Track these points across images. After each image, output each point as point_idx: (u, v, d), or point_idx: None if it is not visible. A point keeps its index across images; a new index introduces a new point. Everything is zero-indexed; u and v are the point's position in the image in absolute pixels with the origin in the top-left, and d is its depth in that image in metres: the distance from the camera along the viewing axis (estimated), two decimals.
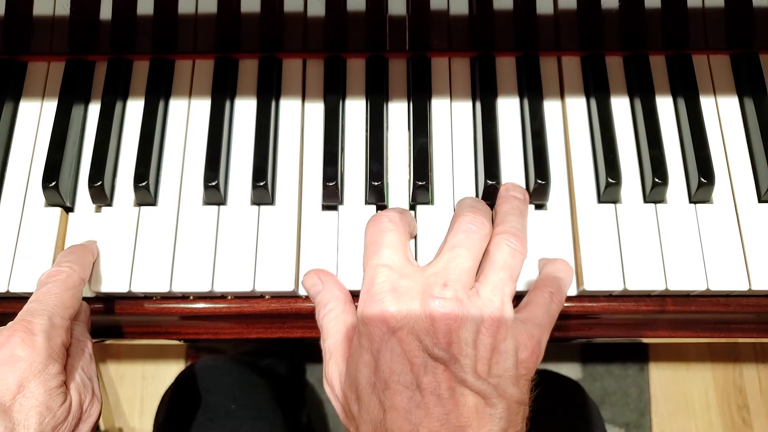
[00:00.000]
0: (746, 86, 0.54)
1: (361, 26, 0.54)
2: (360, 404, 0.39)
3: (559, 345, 1.20)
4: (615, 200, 0.50)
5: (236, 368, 0.76)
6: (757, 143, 0.52)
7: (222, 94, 0.54)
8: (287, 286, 0.48)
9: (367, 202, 0.51)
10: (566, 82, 0.55)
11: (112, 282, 0.48)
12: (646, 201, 0.51)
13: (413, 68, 0.55)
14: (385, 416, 0.38)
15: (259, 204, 0.51)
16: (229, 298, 0.51)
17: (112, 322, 0.52)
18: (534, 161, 0.51)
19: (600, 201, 0.51)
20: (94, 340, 0.48)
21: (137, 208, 0.51)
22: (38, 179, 0.51)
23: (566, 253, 0.49)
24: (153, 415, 0.74)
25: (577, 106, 0.54)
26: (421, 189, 0.50)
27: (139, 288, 0.48)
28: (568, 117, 0.54)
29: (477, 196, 0.51)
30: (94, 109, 0.54)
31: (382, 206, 0.51)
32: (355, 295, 0.45)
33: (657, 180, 0.49)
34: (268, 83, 0.54)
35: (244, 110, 0.54)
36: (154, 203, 0.51)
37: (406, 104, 0.54)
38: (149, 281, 0.48)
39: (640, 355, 1.24)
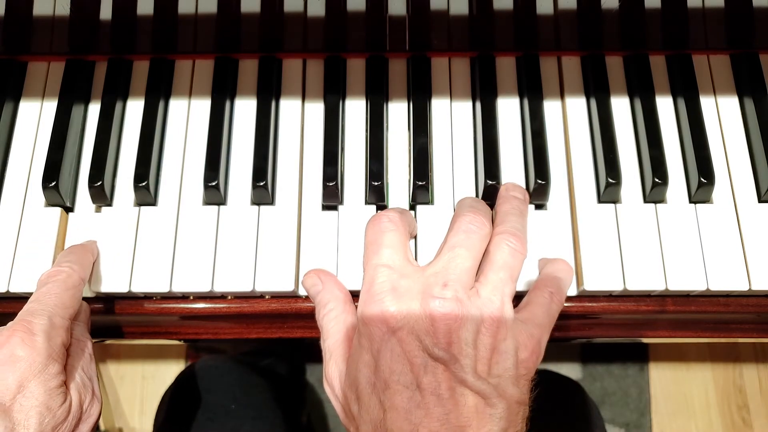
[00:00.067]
0: (746, 86, 0.54)
1: (361, 26, 0.54)
2: (360, 404, 0.39)
3: (559, 345, 1.20)
4: (615, 200, 0.50)
5: (236, 368, 0.76)
6: (757, 143, 0.52)
7: (222, 94, 0.54)
8: (287, 286, 0.48)
9: (367, 202, 0.51)
10: (566, 82, 0.55)
11: (112, 282, 0.48)
12: (646, 201, 0.51)
13: (413, 68, 0.55)
14: (385, 416, 0.38)
15: (259, 204, 0.51)
16: (229, 298, 0.51)
17: (112, 322, 0.52)
18: (534, 161, 0.51)
19: (600, 201, 0.51)
20: (94, 340, 0.48)
21: (137, 208, 0.51)
22: (38, 179, 0.51)
23: (566, 253, 0.49)
24: (153, 415, 0.74)
25: (577, 106, 0.54)
26: (421, 189, 0.50)
27: (139, 288, 0.48)
28: (568, 117, 0.54)
29: (477, 196, 0.51)
30: (94, 109, 0.54)
31: (382, 206, 0.51)
32: (355, 295, 0.45)
33: (657, 180, 0.49)
34: (268, 83, 0.54)
35: (244, 110, 0.54)
36: (154, 203, 0.51)
37: (406, 104, 0.54)
38: (149, 281, 0.48)
39: (640, 355, 1.24)
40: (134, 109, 0.54)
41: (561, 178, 0.52)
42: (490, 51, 0.55)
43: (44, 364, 0.39)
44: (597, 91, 0.53)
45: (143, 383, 1.23)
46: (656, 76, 0.55)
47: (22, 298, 0.49)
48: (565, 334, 0.51)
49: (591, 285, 0.48)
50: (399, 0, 0.52)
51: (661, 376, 1.23)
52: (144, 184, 0.50)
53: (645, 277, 0.48)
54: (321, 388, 1.19)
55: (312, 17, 0.54)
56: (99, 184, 0.50)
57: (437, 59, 0.55)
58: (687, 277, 0.48)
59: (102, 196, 0.51)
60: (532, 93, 0.53)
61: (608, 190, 0.50)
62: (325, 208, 0.51)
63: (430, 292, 0.39)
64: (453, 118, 0.54)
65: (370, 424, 0.39)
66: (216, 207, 0.51)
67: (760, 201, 0.51)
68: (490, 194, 0.49)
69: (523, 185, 0.51)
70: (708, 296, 0.50)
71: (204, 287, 0.48)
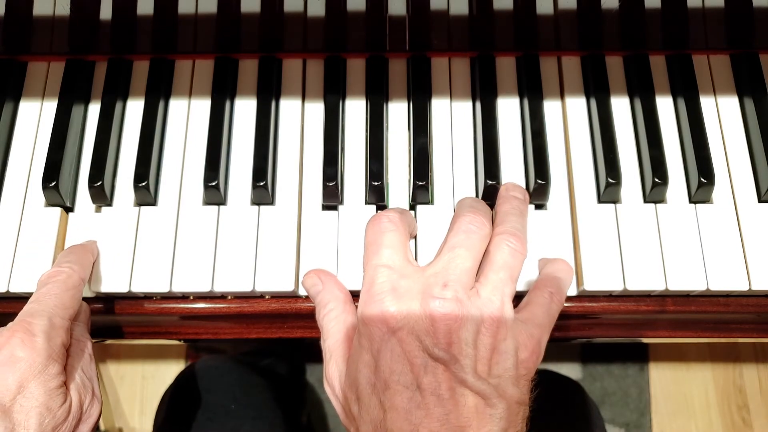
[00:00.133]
0: (746, 86, 0.54)
1: (361, 26, 0.54)
2: (360, 404, 0.39)
3: (559, 345, 1.20)
4: (615, 200, 0.50)
5: (236, 368, 0.76)
6: (757, 143, 0.52)
7: (222, 94, 0.54)
8: (287, 286, 0.48)
9: (367, 202, 0.51)
10: (566, 82, 0.55)
11: (112, 282, 0.48)
12: (646, 201, 0.51)
13: (413, 68, 0.55)
14: (385, 416, 0.38)
15: (259, 204, 0.51)
16: (229, 298, 0.51)
17: (112, 322, 0.52)
18: (534, 161, 0.51)
19: (600, 201, 0.51)
20: (94, 340, 0.48)
21: (137, 208, 0.51)
22: (38, 179, 0.51)
23: (566, 253, 0.49)
24: (153, 415, 0.74)
25: (577, 106, 0.54)
26: (421, 189, 0.50)
27: (139, 288, 0.48)
28: (568, 117, 0.54)
29: (477, 196, 0.51)
30: (94, 109, 0.54)
31: (382, 206, 0.51)
32: (355, 295, 0.45)
33: (657, 180, 0.49)
34: (268, 83, 0.54)
35: (244, 110, 0.54)
36: (154, 203, 0.51)
37: (406, 104, 0.54)
38: (149, 281, 0.48)
39: (640, 355, 1.24)
40: (134, 109, 0.54)
41: (561, 178, 0.52)
42: (490, 51, 0.55)
43: (44, 365, 0.39)
44: (597, 91, 0.53)
45: (143, 383, 1.23)
46: (656, 76, 0.55)
47: (22, 298, 0.49)
48: (565, 334, 0.51)
49: (591, 285, 0.48)
50: (399, 0, 0.52)
51: (661, 376, 1.23)
52: (144, 184, 0.50)
53: (645, 277, 0.48)
54: (321, 388, 1.19)
55: (312, 17, 0.54)
56: (99, 184, 0.50)
57: (437, 59, 0.55)
58: (687, 277, 0.48)
59: (102, 196, 0.51)
60: (532, 93, 0.53)
61: (608, 190, 0.50)
62: (325, 208, 0.51)
63: (430, 293, 0.39)
64: (453, 118, 0.54)
65: (370, 424, 0.39)
66: (216, 207, 0.51)
67: (760, 201, 0.51)
68: (490, 194, 0.49)
69: (523, 185, 0.51)
70: (708, 296, 0.50)
71: (204, 287, 0.48)
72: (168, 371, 1.24)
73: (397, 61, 0.56)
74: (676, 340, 0.54)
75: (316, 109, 0.54)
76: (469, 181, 0.52)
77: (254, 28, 0.54)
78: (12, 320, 0.42)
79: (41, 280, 0.44)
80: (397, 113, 0.54)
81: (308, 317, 0.50)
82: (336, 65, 0.55)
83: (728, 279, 0.48)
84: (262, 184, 0.50)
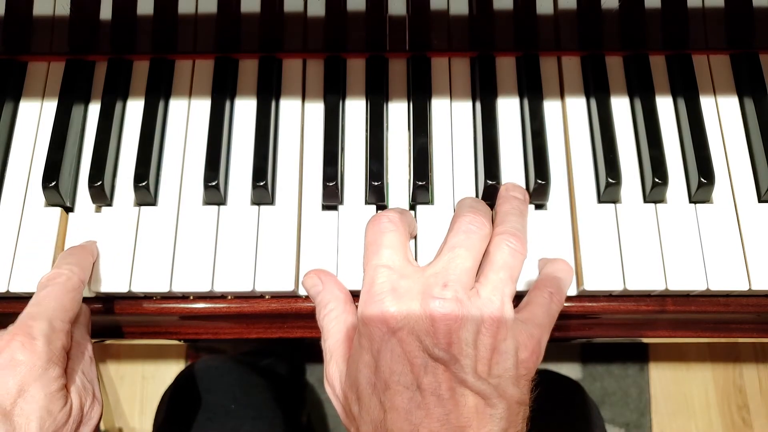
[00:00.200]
0: (746, 86, 0.54)
1: (361, 26, 0.54)
2: (360, 405, 0.39)
3: (559, 345, 1.20)
4: (615, 200, 0.50)
5: (236, 368, 0.76)
6: (757, 143, 0.52)
7: (222, 94, 0.54)
8: (287, 286, 0.48)
9: (367, 202, 0.51)
10: (566, 82, 0.55)
11: (112, 282, 0.48)
12: (646, 201, 0.51)
13: (413, 68, 0.55)
14: (385, 417, 0.38)
15: (259, 204, 0.51)
16: (229, 298, 0.51)
17: (112, 322, 0.52)
18: (534, 161, 0.51)
19: (600, 201, 0.51)
20: (94, 340, 0.48)
21: (137, 208, 0.51)
22: (38, 179, 0.51)
23: (566, 253, 0.49)
24: (153, 415, 0.74)
25: (577, 106, 0.54)
26: (421, 189, 0.50)
27: (139, 288, 0.48)
28: (568, 117, 0.54)
29: (477, 196, 0.51)
30: (94, 109, 0.54)
31: (382, 206, 0.51)
32: (355, 295, 0.45)
33: (657, 180, 0.49)
34: (268, 83, 0.54)
35: (244, 110, 0.54)
36: (154, 203, 0.51)
37: (406, 104, 0.54)
38: (149, 281, 0.48)
39: (640, 355, 1.24)
40: (134, 109, 0.54)
41: (561, 178, 0.52)
42: (490, 51, 0.55)
43: (44, 368, 0.39)
44: (597, 91, 0.53)
45: (143, 383, 1.23)
46: (656, 76, 0.55)
47: (22, 298, 0.49)
48: (565, 334, 0.51)
49: (591, 285, 0.48)
50: (399, 0, 0.52)
51: (661, 376, 1.23)
52: (144, 184, 0.50)
53: (645, 277, 0.48)
54: (321, 388, 1.19)
55: (312, 17, 0.54)
56: (99, 184, 0.50)
57: (437, 59, 0.55)
58: (687, 277, 0.48)
59: (102, 196, 0.51)
60: (532, 93, 0.53)
61: (608, 190, 0.50)
62: (325, 208, 0.51)
63: (430, 293, 0.39)
64: (453, 118, 0.54)
65: (370, 424, 0.39)
66: (216, 207, 0.51)
67: (760, 201, 0.51)
68: (490, 194, 0.49)
69: (523, 185, 0.51)
70: (708, 296, 0.50)
71: (204, 287, 0.48)
72: (168, 371, 1.24)
73: (397, 61, 0.56)
74: (676, 340, 0.54)
75: (316, 109, 0.54)
76: (469, 181, 0.52)
77: (254, 28, 0.54)
78: (12, 320, 0.42)
79: (41, 283, 0.44)
80: (397, 113, 0.54)
81: (308, 317, 0.50)
82: (336, 65, 0.55)
83: (728, 279, 0.48)
84: (262, 184, 0.50)
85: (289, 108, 0.54)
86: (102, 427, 1.17)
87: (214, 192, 0.50)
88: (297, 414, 0.99)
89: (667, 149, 0.52)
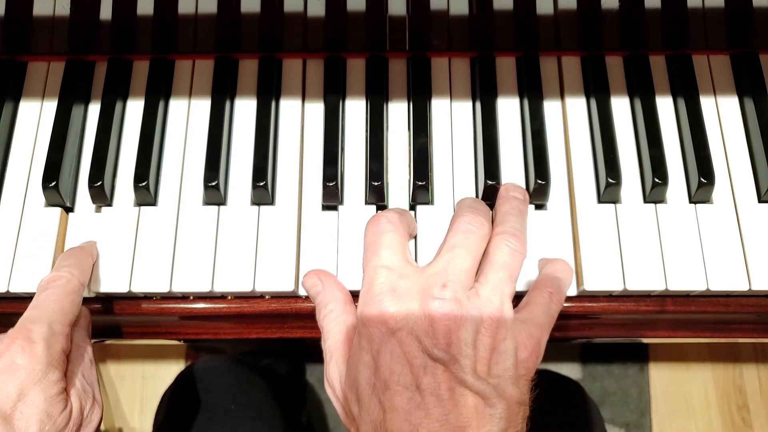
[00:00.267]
0: (746, 86, 0.54)
1: (361, 26, 0.54)
2: (360, 405, 0.39)
3: (559, 345, 1.20)
4: (615, 200, 0.50)
5: (236, 368, 0.76)
6: (757, 143, 0.52)
7: (222, 94, 0.54)
8: (287, 286, 0.48)
9: (367, 202, 0.51)
10: (566, 82, 0.55)
11: (112, 282, 0.48)
12: (646, 201, 0.51)
13: (413, 68, 0.55)
14: (385, 417, 0.38)
15: (259, 204, 0.51)
16: (229, 298, 0.51)
17: (112, 322, 0.52)
18: (534, 161, 0.51)
19: (600, 201, 0.51)
20: (94, 341, 0.48)
21: (137, 208, 0.51)
22: (38, 179, 0.51)
23: (566, 253, 0.49)
24: (153, 415, 0.74)
25: (577, 106, 0.54)
26: (421, 189, 0.50)
27: (139, 288, 0.48)
28: (568, 117, 0.54)
29: (477, 196, 0.51)
30: (94, 109, 0.54)
31: (382, 206, 0.51)
32: (355, 296, 0.45)
33: (657, 180, 0.49)
34: (268, 83, 0.54)
35: (244, 110, 0.54)
36: (154, 203, 0.51)
37: (406, 104, 0.54)
38: (149, 281, 0.48)
39: (640, 355, 1.24)
40: (134, 109, 0.54)
41: (561, 178, 0.52)
42: (490, 51, 0.55)
43: (44, 372, 0.40)
44: (597, 91, 0.53)
45: (143, 383, 1.23)
46: (656, 76, 0.55)
47: (22, 298, 0.49)
48: (565, 334, 0.51)
49: (591, 285, 0.48)
50: (399, 0, 0.52)
51: (661, 376, 1.23)
52: (144, 184, 0.50)
53: (645, 277, 0.48)
54: (321, 388, 1.19)
55: (312, 17, 0.54)
56: (99, 184, 0.50)
57: (437, 59, 0.55)
58: (687, 277, 0.48)
59: (102, 196, 0.51)
60: (532, 93, 0.53)
61: (608, 190, 0.50)
62: (325, 208, 0.51)
63: (430, 293, 0.39)
64: (453, 118, 0.54)
65: (370, 425, 0.39)
66: (216, 207, 0.51)
67: (760, 201, 0.51)
68: (490, 194, 0.49)
69: (523, 185, 0.51)
70: (708, 296, 0.50)
71: (204, 287, 0.48)
72: (168, 371, 1.24)
73: (397, 61, 0.56)
74: (676, 340, 0.54)
75: (316, 109, 0.54)
76: (469, 181, 0.52)
77: (254, 28, 0.54)
78: (12, 320, 0.42)
79: (41, 285, 0.44)
80: (397, 113, 0.54)
81: (308, 317, 0.50)
82: (336, 65, 0.55)
83: (728, 279, 0.48)
84: (262, 184, 0.50)
85: (289, 108, 0.54)
86: (102, 427, 1.17)
87: (214, 192, 0.50)
88: (297, 414, 0.99)
89: (667, 149, 0.52)
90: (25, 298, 0.47)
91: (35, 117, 0.54)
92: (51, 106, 0.54)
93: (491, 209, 0.47)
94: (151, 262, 0.49)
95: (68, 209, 0.52)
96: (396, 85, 0.55)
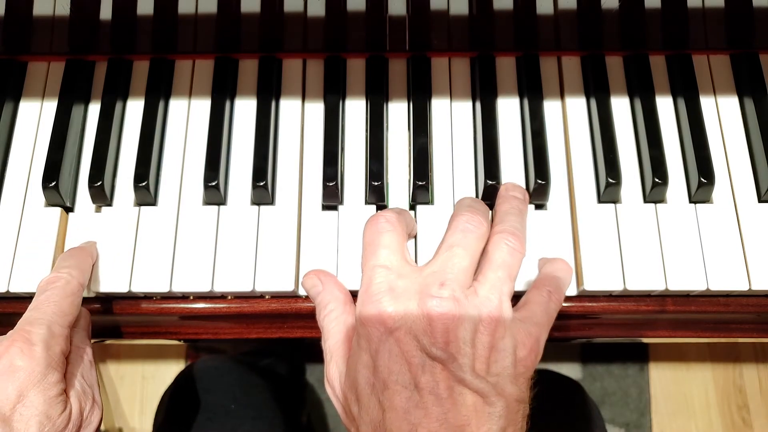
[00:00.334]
0: (746, 86, 0.54)
1: (361, 26, 0.54)
2: (360, 405, 0.39)
3: (559, 345, 1.20)
4: (615, 200, 0.50)
5: (236, 368, 0.76)
6: (757, 143, 0.52)
7: (222, 94, 0.54)
8: (287, 286, 0.48)
9: (367, 202, 0.51)
10: (566, 82, 0.55)
11: (111, 282, 0.48)
12: (646, 201, 0.51)
13: (413, 68, 0.55)
14: (384, 416, 0.38)
15: (259, 204, 0.51)
16: (229, 298, 0.51)
17: (112, 322, 0.52)
18: (534, 161, 0.51)
19: (600, 201, 0.51)
20: (93, 340, 0.48)
21: (137, 208, 0.51)
22: (38, 179, 0.51)
23: (566, 253, 0.49)
24: (153, 415, 0.74)
25: (577, 106, 0.54)
26: (421, 189, 0.50)
27: (139, 288, 0.48)
28: (568, 117, 0.54)
29: (477, 196, 0.51)
30: (94, 109, 0.54)
31: (382, 206, 0.51)
32: (355, 295, 0.45)
33: (657, 180, 0.49)
34: (268, 83, 0.54)
35: (244, 110, 0.54)
36: (154, 203, 0.51)
37: (406, 104, 0.54)
38: (149, 281, 0.48)
39: (640, 355, 1.24)
40: (134, 109, 0.55)
41: (561, 178, 0.52)
42: (490, 51, 0.55)
43: (43, 374, 0.40)
44: (597, 91, 0.53)
45: (143, 383, 1.23)
46: (656, 76, 0.55)
47: (22, 298, 0.49)
48: (565, 334, 0.51)
49: (591, 285, 0.48)
50: (399, 0, 0.52)
51: (661, 376, 1.23)
52: (144, 184, 0.50)
53: (645, 277, 0.48)
54: (321, 388, 1.19)
55: (312, 17, 0.54)
56: (99, 184, 0.50)
57: (437, 59, 0.55)
58: (687, 277, 0.48)
59: (102, 196, 0.51)
60: (532, 93, 0.53)
61: (608, 190, 0.50)
62: (325, 208, 0.51)
63: (428, 292, 0.39)
64: (453, 118, 0.54)
65: (369, 424, 0.39)
66: (216, 207, 0.51)
67: (760, 201, 0.51)
68: (490, 194, 0.49)
69: (523, 185, 0.51)
70: (708, 296, 0.50)
71: (204, 287, 0.48)
72: (168, 371, 1.24)
73: (397, 61, 0.56)
74: (676, 340, 0.54)
75: (316, 109, 0.54)
76: (469, 181, 0.52)
77: (254, 28, 0.54)
78: (12, 320, 0.42)
79: (40, 286, 0.44)
80: (397, 113, 0.54)
81: (308, 317, 0.50)
82: (336, 65, 0.55)
83: (728, 279, 0.48)
84: (262, 184, 0.50)
85: (289, 108, 0.54)
86: (102, 427, 1.17)
87: (214, 192, 0.50)
88: (297, 414, 0.99)
89: (667, 149, 0.52)
90: (25, 298, 0.47)
91: (35, 117, 0.55)
92: (51, 106, 0.54)
93: (491, 209, 0.47)
94: (151, 262, 0.49)
95: (68, 209, 0.52)
96: (396, 85, 0.55)
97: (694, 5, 0.53)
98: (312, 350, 1.19)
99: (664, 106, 0.54)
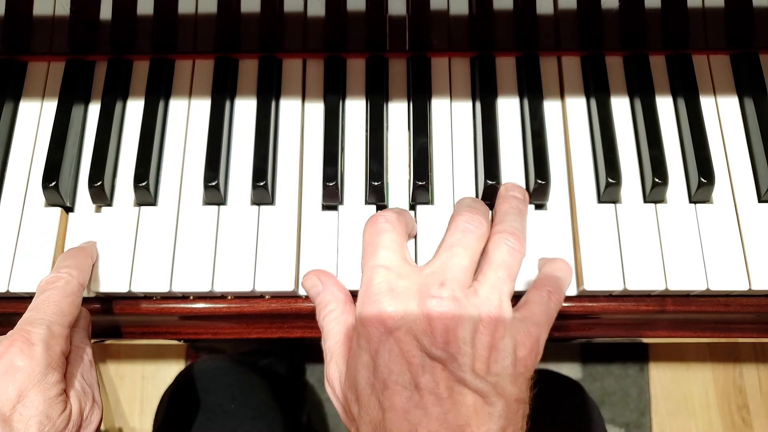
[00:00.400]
0: (746, 86, 0.54)
1: (361, 26, 0.54)
2: (360, 405, 0.39)
3: (559, 345, 1.20)
4: (615, 200, 0.50)
5: (235, 368, 0.76)
6: (757, 143, 0.52)
7: (222, 94, 0.54)
8: (287, 286, 0.48)
9: (367, 202, 0.51)
10: (566, 82, 0.55)
11: (112, 282, 0.48)
12: (646, 201, 0.51)
13: (413, 68, 0.55)
14: (384, 417, 0.38)
15: (259, 204, 0.51)
16: (229, 298, 0.51)
17: (112, 322, 0.52)
18: (534, 161, 0.51)
19: (600, 201, 0.51)
20: (93, 340, 0.48)
21: (137, 208, 0.51)
22: (38, 179, 0.51)
23: (566, 253, 0.49)
24: (153, 415, 0.74)
25: (577, 106, 0.54)
26: (421, 189, 0.50)
27: (139, 288, 0.48)
28: (568, 117, 0.54)
29: (477, 196, 0.51)
30: (94, 109, 0.54)
31: (382, 206, 0.51)
32: (355, 295, 0.45)
33: (657, 180, 0.49)
34: (268, 83, 0.54)
35: (244, 110, 0.54)
36: (154, 203, 0.51)
37: (406, 104, 0.54)
38: (149, 281, 0.48)
39: (640, 355, 1.24)
40: (134, 109, 0.55)
41: (561, 178, 0.52)
42: (490, 51, 0.55)
43: (43, 374, 0.40)
44: (597, 91, 0.53)
45: (143, 383, 1.23)
46: (656, 76, 0.55)
47: (22, 298, 0.49)
48: (565, 334, 0.51)
49: (591, 285, 0.48)
50: (399, 0, 0.52)
51: (661, 376, 1.23)
52: (144, 184, 0.50)
53: (645, 277, 0.48)
54: (321, 388, 1.19)
55: (312, 17, 0.54)
56: (99, 184, 0.50)
57: (437, 59, 0.55)
58: (687, 277, 0.48)
59: (102, 196, 0.51)
60: (532, 93, 0.53)
61: (608, 190, 0.50)
62: (325, 208, 0.51)
63: (427, 292, 0.39)
64: (453, 118, 0.54)
65: (369, 424, 0.39)
66: (216, 207, 0.51)
67: (760, 201, 0.51)
68: (490, 194, 0.49)
69: (523, 185, 0.51)
70: (708, 296, 0.50)
71: (204, 287, 0.48)
72: (168, 371, 1.24)
73: (397, 61, 0.56)
74: (676, 340, 0.54)
75: (316, 109, 0.54)
76: (469, 181, 0.52)
77: (254, 28, 0.54)
78: (12, 320, 0.42)
79: (40, 287, 0.44)
80: (397, 113, 0.54)
81: (308, 317, 0.50)
82: (336, 65, 0.55)
83: (728, 279, 0.48)
84: (262, 184, 0.50)
85: (289, 108, 0.54)
86: (102, 427, 1.17)
87: (214, 192, 0.50)
88: (297, 414, 0.99)
89: (667, 149, 0.52)
90: (25, 298, 0.47)
91: (35, 117, 0.55)
92: (51, 106, 0.54)
93: (491, 209, 0.47)
94: (151, 262, 0.49)
95: (68, 209, 0.52)
96: (396, 85, 0.55)
97: (694, 5, 0.53)
98: (312, 350, 1.19)
99: (664, 106, 0.54)
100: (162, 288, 0.48)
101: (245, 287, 0.48)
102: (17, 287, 0.48)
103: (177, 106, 0.55)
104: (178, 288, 0.48)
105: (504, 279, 0.40)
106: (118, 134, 0.54)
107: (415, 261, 0.48)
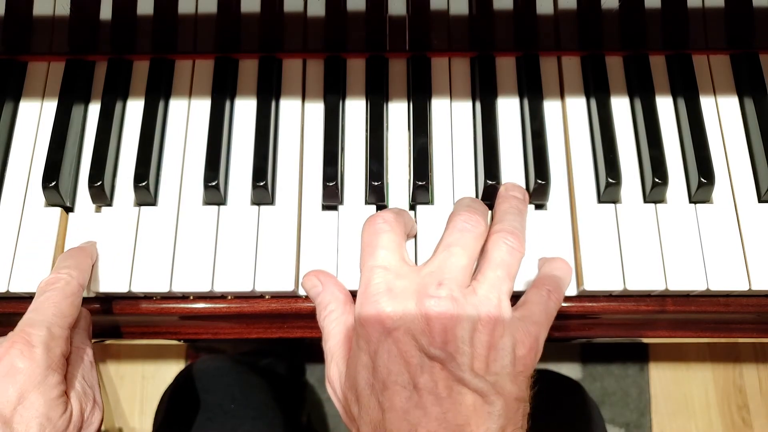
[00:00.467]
0: (746, 86, 0.54)
1: (361, 26, 0.54)
2: (360, 405, 0.39)
3: (559, 345, 1.20)
4: (615, 200, 0.50)
5: (235, 368, 0.76)
6: (757, 143, 0.52)
7: (222, 94, 0.54)
8: (287, 286, 0.48)
9: (367, 202, 0.51)
10: (566, 82, 0.55)
11: (111, 282, 0.48)
12: (646, 201, 0.51)
13: (413, 68, 0.55)
14: (384, 417, 0.38)
15: (259, 204, 0.51)
16: (229, 298, 0.51)
17: (112, 322, 0.52)
18: (534, 161, 0.51)
19: (600, 201, 0.51)
20: (93, 341, 0.48)
21: (137, 208, 0.51)
22: (38, 179, 0.51)
23: (566, 253, 0.49)
24: (153, 415, 0.74)
25: (577, 106, 0.54)
26: (421, 189, 0.50)
27: (139, 288, 0.48)
28: (568, 117, 0.54)
29: (477, 196, 0.51)
30: (94, 109, 0.54)
31: (382, 206, 0.51)
32: (355, 296, 0.45)
33: (657, 180, 0.49)
34: (268, 83, 0.54)
35: (244, 110, 0.54)
36: (154, 203, 0.51)
37: (406, 104, 0.54)
38: (149, 281, 0.48)
39: (640, 355, 1.24)
40: (134, 109, 0.55)
41: (561, 178, 0.52)
42: (490, 51, 0.55)
43: (44, 375, 0.40)
44: (597, 91, 0.53)
45: (143, 383, 1.23)
46: (656, 76, 0.55)
47: (22, 298, 0.49)
48: (565, 334, 0.51)
49: (591, 285, 0.48)
50: (399, 0, 0.52)
51: (661, 376, 1.23)
52: (144, 184, 0.50)
53: (645, 277, 0.48)
54: (321, 388, 1.19)
55: (312, 17, 0.54)
56: (99, 184, 0.50)
57: (437, 59, 0.55)
58: (687, 277, 0.48)
59: (102, 196, 0.51)
60: (532, 93, 0.53)
61: (608, 190, 0.50)
62: (325, 208, 0.51)
63: (425, 292, 0.39)
64: (453, 118, 0.54)
65: (369, 425, 0.39)
66: (216, 207, 0.51)
67: (760, 201, 0.51)
68: (489, 194, 0.49)
69: (523, 185, 0.51)
70: (708, 296, 0.50)
71: (204, 287, 0.48)
72: (168, 371, 1.24)
73: (397, 61, 0.56)
74: (676, 340, 0.54)
75: (316, 109, 0.54)
76: (469, 181, 0.52)
77: (254, 28, 0.54)
78: (12, 320, 0.42)
79: (40, 287, 0.44)
80: (397, 113, 0.54)
81: (308, 317, 0.50)
82: (336, 65, 0.55)
83: (728, 279, 0.48)
84: (262, 184, 0.50)
85: (289, 108, 0.54)
86: (102, 427, 1.17)
87: (214, 192, 0.50)
88: (297, 414, 0.99)
89: (667, 149, 0.52)
90: (25, 298, 0.47)
91: (35, 117, 0.55)
92: (51, 106, 0.54)
93: (491, 209, 0.47)
94: (151, 262, 0.49)
95: (68, 209, 0.52)
96: (396, 85, 0.55)
97: (694, 5, 0.53)
98: (312, 350, 1.19)
99: (664, 106, 0.54)
100: (162, 288, 0.48)
101: (245, 287, 0.48)
102: (17, 287, 0.48)
103: (177, 106, 0.55)
104: (178, 288, 0.48)
105: (503, 278, 0.40)
106: (118, 134, 0.54)
107: (415, 261, 0.48)
